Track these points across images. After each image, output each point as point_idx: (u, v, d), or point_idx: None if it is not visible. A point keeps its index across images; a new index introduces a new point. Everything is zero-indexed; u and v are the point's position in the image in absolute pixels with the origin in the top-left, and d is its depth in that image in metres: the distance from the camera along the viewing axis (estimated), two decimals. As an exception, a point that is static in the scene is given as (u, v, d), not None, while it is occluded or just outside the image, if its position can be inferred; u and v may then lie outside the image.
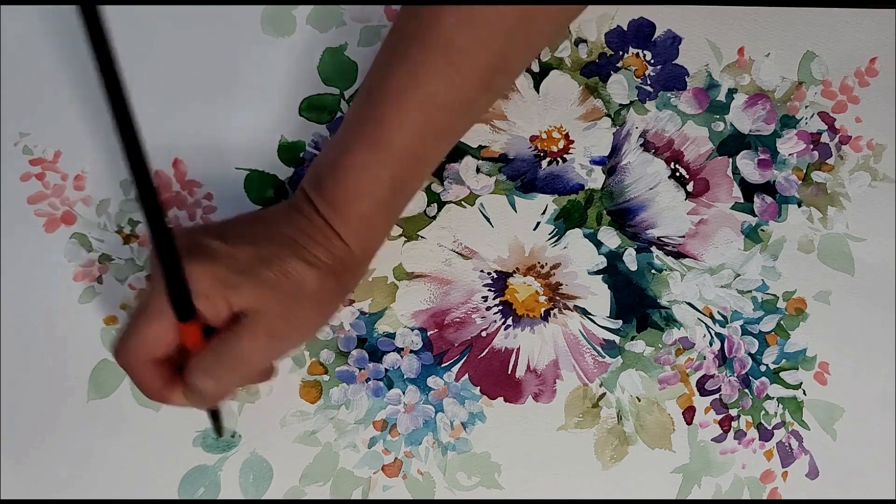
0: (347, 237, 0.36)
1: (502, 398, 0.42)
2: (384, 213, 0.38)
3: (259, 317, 0.34)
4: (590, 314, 0.43)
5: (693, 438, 0.42)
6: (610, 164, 0.44)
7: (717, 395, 0.42)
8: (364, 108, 0.37)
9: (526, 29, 0.37)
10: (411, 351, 0.42)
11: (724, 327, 0.43)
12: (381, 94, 0.36)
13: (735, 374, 0.42)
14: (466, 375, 0.42)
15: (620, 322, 0.43)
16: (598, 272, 0.43)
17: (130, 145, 0.26)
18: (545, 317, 0.43)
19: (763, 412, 0.42)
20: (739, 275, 0.43)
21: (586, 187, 0.44)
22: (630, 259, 0.43)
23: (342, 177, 0.36)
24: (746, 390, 0.42)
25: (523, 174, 0.44)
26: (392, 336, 0.42)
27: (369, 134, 0.36)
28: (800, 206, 0.44)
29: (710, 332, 0.43)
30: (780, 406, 0.42)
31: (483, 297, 0.43)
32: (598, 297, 0.43)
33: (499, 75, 0.38)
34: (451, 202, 0.43)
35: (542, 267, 0.43)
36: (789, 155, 0.45)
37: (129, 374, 0.35)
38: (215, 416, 0.39)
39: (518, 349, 0.42)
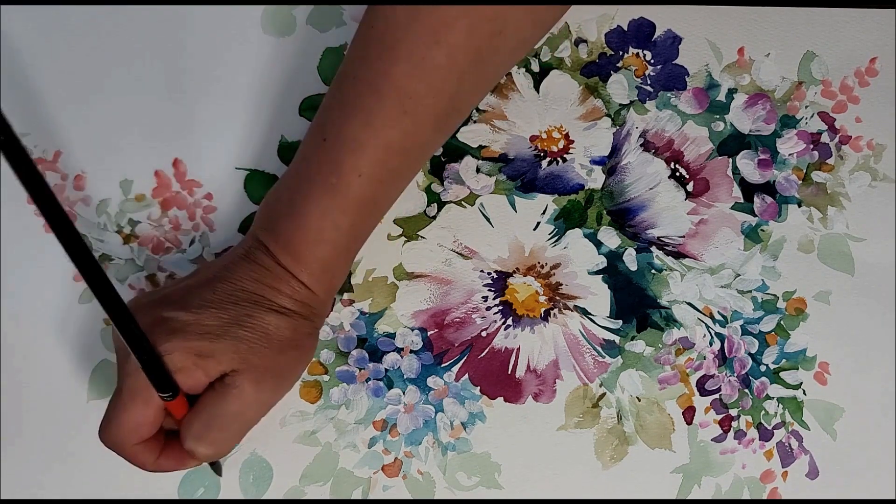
0: (310, 282, 0.36)
1: (502, 398, 0.42)
2: (343, 256, 0.38)
3: (242, 375, 0.34)
4: (590, 314, 0.43)
5: (693, 438, 0.42)
6: (610, 164, 0.44)
7: (717, 395, 0.42)
8: (319, 154, 0.36)
9: (477, 71, 0.37)
10: (411, 351, 0.42)
11: (724, 327, 0.43)
12: (338, 141, 0.36)
13: (735, 374, 0.42)
14: (466, 375, 0.42)
15: (620, 322, 0.43)
16: (598, 272, 0.43)
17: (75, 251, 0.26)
18: (545, 317, 0.43)
19: (763, 412, 0.42)
20: (739, 275, 0.43)
21: (586, 187, 0.44)
22: (630, 259, 0.43)
23: (301, 223, 0.36)
24: (746, 390, 0.42)
25: (523, 174, 0.44)
26: (392, 336, 0.42)
27: (326, 181, 0.36)
28: (800, 206, 0.44)
29: (710, 332, 0.43)
30: (780, 406, 0.42)
31: (483, 297, 0.43)
32: (598, 297, 0.43)
33: (452, 117, 0.38)
34: (451, 202, 0.43)
35: (542, 267, 0.43)
36: (789, 155, 0.45)
37: (121, 456, 0.35)
38: (214, 465, 0.40)
39: (518, 349, 0.42)
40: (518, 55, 0.41)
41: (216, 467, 0.40)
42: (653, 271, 0.43)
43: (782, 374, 0.43)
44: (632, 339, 0.42)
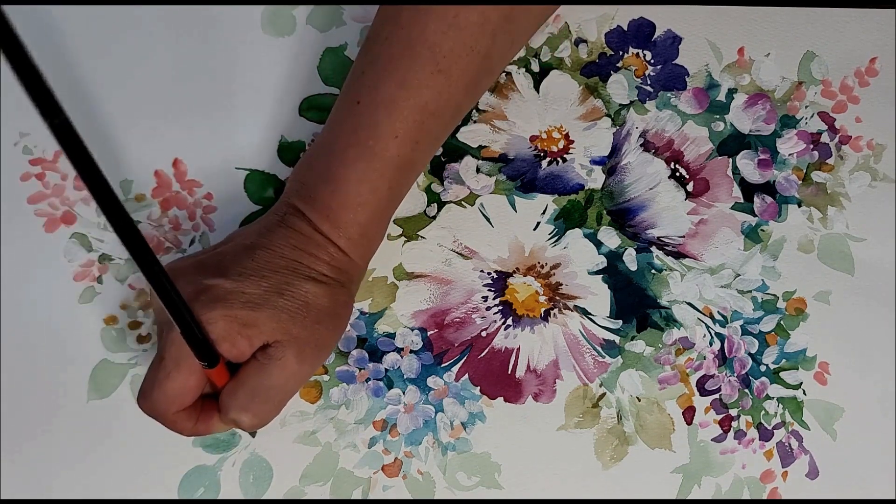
0: (347, 248, 0.36)
1: (502, 398, 0.42)
2: (380, 220, 0.38)
3: (285, 346, 0.34)
4: (590, 314, 0.43)
5: (693, 438, 0.42)
6: (610, 164, 0.44)
7: (717, 395, 0.42)
8: (353, 117, 0.36)
9: (508, 28, 0.37)
10: (411, 351, 0.42)
11: (724, 327, 0.43)
12: (373, 104, 0.36)
13: (735, 374, 0.42)
14: (466, 375, 0.42)
15: (620, 322, 0.43)
16: (598, 272, 0.43)
17: (126, 231, 0.26)
18: (545, 317, 0.43)
19: (763, 412, 0.42)
20: (739, 275, 0.43)
21: (586, 187, 0.44)
22: (630, 259, 0.43)
23: (338, 189, 0.36)
24: (746, 390, 0.42)
25: (523, 174, 0.44)
26: (392, 336, 0.42)
27: (364, 144, 0.36)
28: (800, 206, 0.44)
29: (710, 332, 0.43)
30: (780, 406, 0.42)
31: (483, 297, 0.43)
32: (598, 297, 0.43)
33: (484, 77, 0.38)
34: (451, 202, 0.43)
35: (542, 267, 0.43)
36: (789, 155, 0.45)
37: (160, 422, 0.35)
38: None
39: (518, 349, 0.42)
40: (547, 13, 0.42)
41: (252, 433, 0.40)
42: (653, 271, 0.43)
43: (782, 374, 0.43)
44: (632, 339, 0.42)
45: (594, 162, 0.44)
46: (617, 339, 0.42)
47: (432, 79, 0.35)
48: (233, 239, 0.37)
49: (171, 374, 0.33)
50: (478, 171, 0.44)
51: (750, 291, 0.43)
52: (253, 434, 0.41)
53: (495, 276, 0.43)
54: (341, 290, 0.36)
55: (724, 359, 0.43)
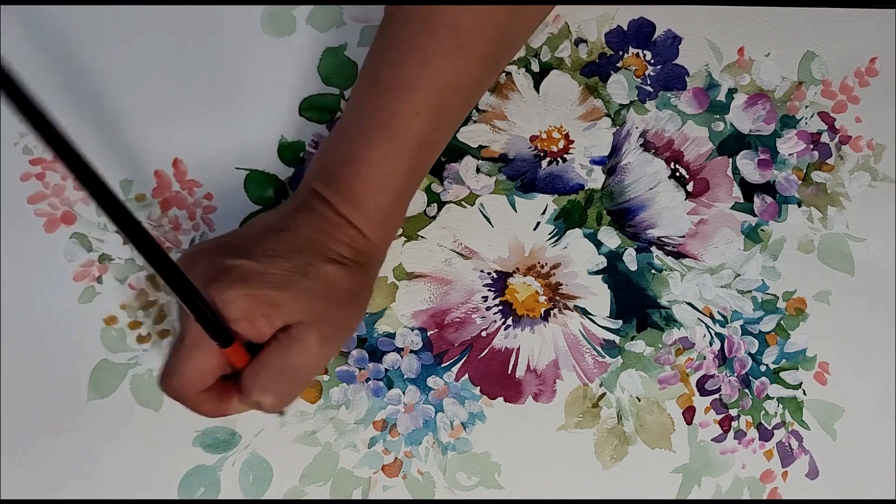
0: (368, 230, 0.36)
1: (502, 398, 0.42)
2: (401, 201, 0.37)
3: (308, 327, 0.33)
4: (590, 314, 0.43)
5: (693, 438, 0.42)
6: (610, 164, 0.44)
7: (717, 395, 0.42)
8: (375, 99, 0.36)
9: (525, 4, 0.37)
10: (411, 351, 0.42)
11: (724, 327, 0.43)
12: (393, 84, 0.35)
13: (735, 374, 0.42)
14: (466, 375, 0.42)
15: (620, 322, 0.43)
16: (598, 272, 0.43)
17: (119, 215, 0.25)
18: (545, 317, 0.43)
19: (763, 412, 0.42)
20: (739, 275, 0.43)
21: (586, 187, 0.44)
22: (630, 259, 0.43)
23: (360, 170, 0.35)
24: (746, 390, 0.42)
25: (523, 174, 0.44)
26: (392, 336, 0.42)
27: (385, 124, 0.35)
28: (800, 206, 0.44)
29: (710, 332, 0.43)
30: (780, 406, 0.42)
31: (483, 297, 0.43)
32: (598, 297, 0.43)
33: (503, 53, 0.38)
34: (451, 202, 0.43)
35: (542, 267, 0.43)
36: (789, 155, 0.45)
37: (182, 403, 0.35)
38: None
39: (518, 349, 0.42)
40: None
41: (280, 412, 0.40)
42: (653, 271, 0.43)
43: (782, 374, 0.43)
44: (632, 339, 0.42)
45: (594, 162, 0.44)
46: (617, 339, 0.42)
47: (452, 57, 0.35)
48: (253, 224, 0.37)
49: (191, 353, 0.33)
50: (478, 171, 0.44)
51: (750, 291, 0.43)
52: (281, 413, 0.40)
53: (495, 276, 0.43)
54: (361, 273, 0.36)
55: (724, 359, 0.43)
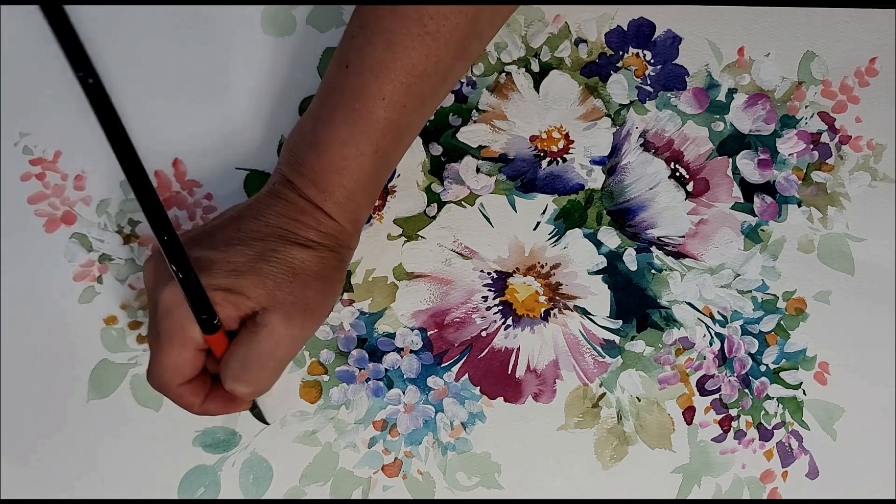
0: (335, 213, 0.36)
1: (502, 398, 0.42)
2: (368, 186, 0.37)
3: (272, 312, 0.34)
4: (590, 314, 0.43)
5: (693, 438, 0.42)
6: (610, 164, 0.44)
7: (717, 395, 0.42)
8: (341, 81, 0.36)
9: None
10: (411, 351, 0.42)
11: (724, 327, 0.43)
12: (360, 67, 0.36)
13: (735, 374, 0.42)
14: (466, 375, 0.42)
15: (620, 322, 0.43)
16: (598, 272, 0.43)
17: (140, 185, 0.26)
18: (545, 317, 0.43)
19: (763, 412, 0.42)
20: (739, 275, 0.43)
21: (586, 187, 0.44)
22: (630, 259, 0.43)
23: (324, 152, 0.36)
24: (746, 390, 0.42)
25: (523, 174, 0.44)
26: (392, 336, 0.42)
27: (350, 107, 0.35)
28: (800, 206, 0.44)
29: (710, 332, 0.43)
30: (780, 406, 0.42)
31: (483, 297, 0.43)
32: (598, 297, 0.43)
33: (473, 41, 0.38)
34: (451, 202, 0.43)
35: (542, 267, 0.43)
36: (789, 155, 0.45)
37: (167, 396, 0.35)
38: (253, 409, 0.40)
39: (518, 349, 0.42)
40: None
41: (257, 413, 0.40)
42: (653, 271, 0.43)
43: (782, 374, 0.43)
44: (632, 339, 0.42)
45: (594, 162, 0.44)
46: (617, 339, 0.42)
47: (419, 41, 0.35)
48: (224, 213, 0.37)
49: (164, 347, 0.34)
50: (478, 171, 0.44)
51: (750, 291, 0.43)
52: (260, 417, 0.41)
53: (495, 276, 0.43)
54: (331, 255, 0.36)
55: (724, 359, 0.43)
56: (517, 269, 0.43)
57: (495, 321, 0.42)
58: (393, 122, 0.36)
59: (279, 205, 0.36)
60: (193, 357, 0.34)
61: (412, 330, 0.42)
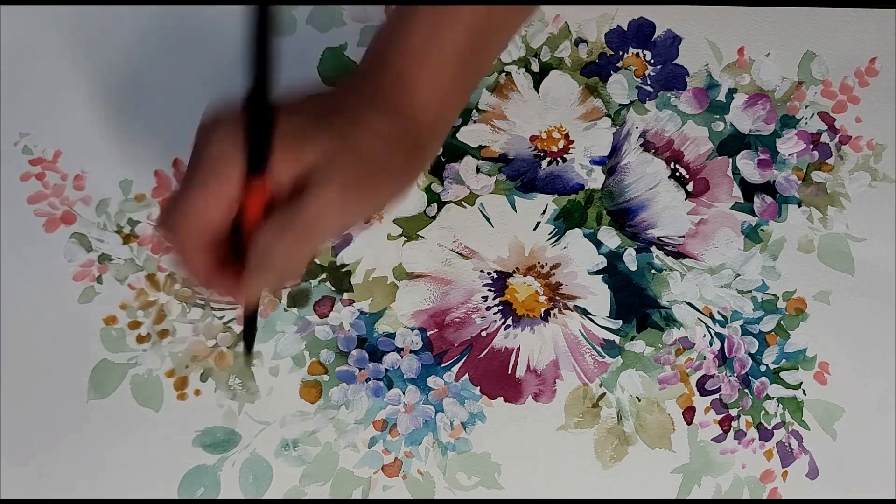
0: (414, 107, 0.34)
1: (502, 398, 0.42)
2: (453, 83, 0.35)
3: (330, 176, 0.30)
4: (590, 314, 0.43)
5: (693, 438, 0.42)
6: (610, 164, 0.44)
7: (717, 395, 0.42)
8: (418, 7, 0.34)
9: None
10: (411, 351, 0.42)
11: (724, 327, 0.43)
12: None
13: (735, 374, 0.42)
14: (466, 375, 0.42)
15: (620, 322, 0.43)
16: (598, 272, 0.43)
17: None
18: (545, 317, 0.43)
19: (763, 412, 0.42)
20: (739, 275, 0.43)
21: (586, 187, 0.44)
22: (630, 259, 0.43)
23: (405, 45, 0.34)
24: (746, 390, 0.42)
25: (523, 174, 0.44)
26: (392, 336, 0.42)
27: (433, 9, 0.34)
28: (800, 206, 0.44)
29: (710, 332, 0.43)
30: (780, 406, 0.42)
31: (483, 297, 0.43)
32: (598, 297, 0.43)
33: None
34: (451, 202, 0.43)
35: (542, 267, 0.43)
36: (789, 155, 0.45)
37: (179, 252, 0.31)
38: (251, 326, 0.37)
39: (518, 349, 0.42)
40: None
41: (250, 339, 0.38)
42: (653, 271, 0.43)
43: (782, 374, 0.43)
44: (632, 339, 0.42)
45: (594, 162, 0.44)
46: (617, 339, 0.42)
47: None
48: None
49: (197, 191, 0.30)
50: (478, 170, 0.44)
51: (750, 291, 0.43)
52: (248, 354, 0.38)
53: (495, 276, 0.43)
54: (405, 148, 0.34)
55: (724, 359, 0.43)
56: (517, 269, 0.43)
57: (495, 321, 0.42)
58: (477, 23, 0.34)
59: (357, 92, 0.34)
60: (221, 213, 0.30)
61: (412, 330, 0.42)
